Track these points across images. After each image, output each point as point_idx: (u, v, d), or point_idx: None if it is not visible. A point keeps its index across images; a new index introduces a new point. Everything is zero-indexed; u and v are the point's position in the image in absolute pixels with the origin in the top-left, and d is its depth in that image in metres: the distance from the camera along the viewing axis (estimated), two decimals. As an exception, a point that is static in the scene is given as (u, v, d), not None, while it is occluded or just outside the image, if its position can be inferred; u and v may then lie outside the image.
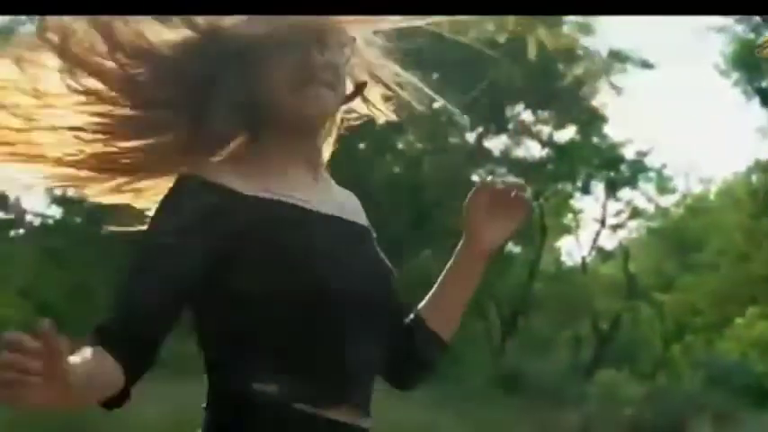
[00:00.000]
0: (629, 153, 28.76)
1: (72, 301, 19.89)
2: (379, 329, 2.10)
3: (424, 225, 26.41)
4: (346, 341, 2.01)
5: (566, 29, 22.94)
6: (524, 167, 28.08)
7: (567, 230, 32.10)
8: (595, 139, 28.13)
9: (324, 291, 1.99)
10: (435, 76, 26.79)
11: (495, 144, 29.09)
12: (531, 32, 7.52)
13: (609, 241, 42.38)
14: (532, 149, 28.84)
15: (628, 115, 53.30)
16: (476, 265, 2.29)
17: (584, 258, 31.47)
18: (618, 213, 30.66)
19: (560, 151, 27.77)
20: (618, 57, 25.38)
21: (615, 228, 31.39)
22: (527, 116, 28.17)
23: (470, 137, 28.67)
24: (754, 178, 29.36)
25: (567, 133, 28.29)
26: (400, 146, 28.73)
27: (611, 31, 46.21)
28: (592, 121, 26.97)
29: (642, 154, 28.79)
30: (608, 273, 32.01)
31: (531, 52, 7.57)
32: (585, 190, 29.35)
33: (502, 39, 7.94)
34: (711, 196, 32.61)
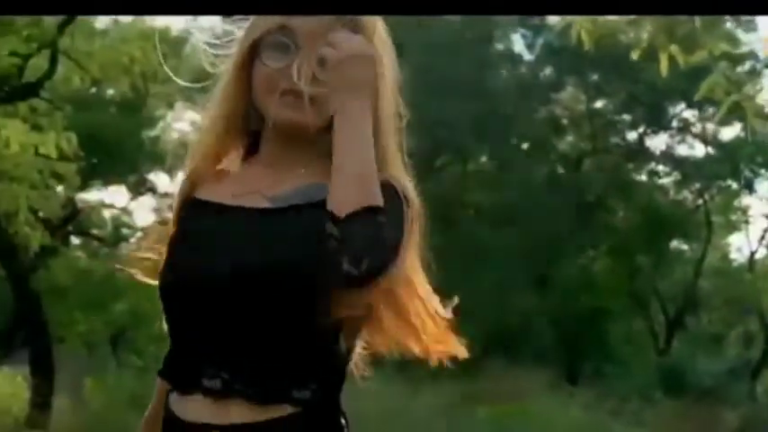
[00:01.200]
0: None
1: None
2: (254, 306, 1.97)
3: (586, 225, 26.47)
4: (196, 322, 2.02)
5: (728, 26, 22.85)
6: (687, 166, 27.92)
7: (735, 227, 31.68)
8: (760, 137, 27.74)
9: (177, 276, 2.05)
10: (594, 77, 26.96)
11: (657, 143, 29.01)
12: (664, 48, 7.66)
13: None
14: (696, 148, 28.66)
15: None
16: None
17: (752, 254, 31.00)
18: (790, 209, 30.13)
19: (723, 149, 27.50)
20: (782, 53, 25.10)
21: (786, 224, 30.82)
22: (689, 114, 28.00)
23: (632, 136, 28.64)
24: None
25: (732, 131, 28.02)
26: (562, 147, 28.84)
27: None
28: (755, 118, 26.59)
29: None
30: (778, 270, 31.45)
31: (664, 69, 7.70)
32: (750, 187, 28.97)
33: (635, 55, 8.10)
34: None
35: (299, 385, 1.97)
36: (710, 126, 27.63)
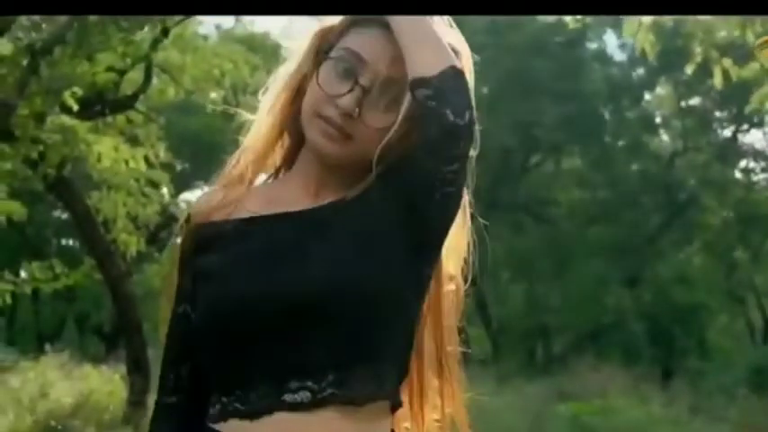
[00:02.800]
0: None
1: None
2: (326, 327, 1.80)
3: (679, 223, 26.46)
4: (261, 350, 1.82)
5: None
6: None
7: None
8: None
9: (236, 301, 1.84)
10: (686, 75, 26.91)
11: (750, 140, 28.80)
12: (717, 62, 7.94)
13: None
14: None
15: None
16: None
17: None
18: None
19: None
20: None
21: None
22: (783, 111, 27.80)
23: (724, 133, 28.54)
24: None
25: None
26: (654, 145, 28.83)
27: None
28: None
29: None
30: None
31: (718, 83, 7.98)
32: None
33: (689, 70, 8.39)
34: None
35: (387, 378, 1.85)
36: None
